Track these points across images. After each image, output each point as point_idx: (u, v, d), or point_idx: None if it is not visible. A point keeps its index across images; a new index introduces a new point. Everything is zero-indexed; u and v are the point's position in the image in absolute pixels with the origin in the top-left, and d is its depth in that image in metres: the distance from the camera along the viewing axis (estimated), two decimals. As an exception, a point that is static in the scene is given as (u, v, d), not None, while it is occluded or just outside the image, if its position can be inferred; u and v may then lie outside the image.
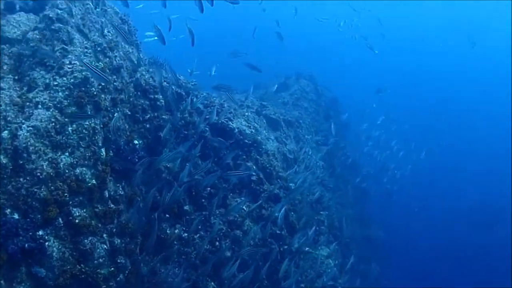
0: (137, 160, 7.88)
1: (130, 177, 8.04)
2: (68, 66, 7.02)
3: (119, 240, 7.63)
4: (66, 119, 6.84)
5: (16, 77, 6.91)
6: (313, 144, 15.66)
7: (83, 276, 6.66)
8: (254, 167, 10.42)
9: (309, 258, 12.49)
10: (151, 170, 8.60)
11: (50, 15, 7.19)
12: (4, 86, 6.64)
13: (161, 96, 9.10)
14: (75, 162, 6.85)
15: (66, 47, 7.16)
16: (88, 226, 6.97)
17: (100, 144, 7.33)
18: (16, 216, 6.33)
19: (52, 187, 6.54)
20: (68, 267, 6.51)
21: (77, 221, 6.78)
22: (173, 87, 9.26)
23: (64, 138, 6.80)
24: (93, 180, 7.07)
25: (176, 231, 9.12)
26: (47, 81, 6.87)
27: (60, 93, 6.85)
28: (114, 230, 7.56)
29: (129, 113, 8.43)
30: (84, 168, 6.96)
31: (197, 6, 8.18)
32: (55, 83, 6.87)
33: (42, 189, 6.44)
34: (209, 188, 9.71)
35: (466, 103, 42.96)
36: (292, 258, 10.36)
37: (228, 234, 9.56)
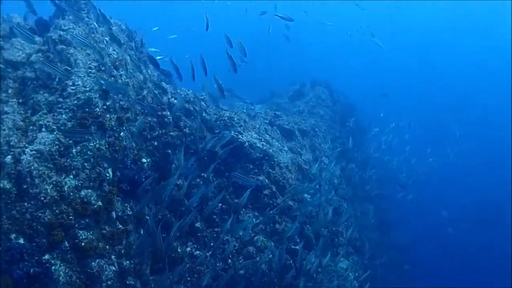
0: (144, 179, 7.75)
1: (139, 197, 7.93)
2: (71, 87, 6.97)
3: (128, 262, 7.52)
4: (70, 141, 6.78)
5: (21, 100, 6.90)
6: (330, 152, 15.29)
7: (90, 299, 6.56)
8: (267, 180, 10.17)
9: (328, 272, 12.13)
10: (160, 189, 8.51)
11: (53, 37, 7.18)
12: (8, 110, 6.64)
13: (168, 113, 8.99)
14: (80, 185, 6.77)
15: (69, 68, 7.12)
16: (95, 248, 6.87)
17: (106, 165, 7.24)
18: (21, 240, 6.28)
19: (57, 211, 6.47)
20: (75, 290, 6.41)
21: (83, 244, 6.68)
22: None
23: (68, 160, 6.74)
24: (99, 202, 6.97)
25: (188, 249, 8.97)
26: (51, 103, 6.83)
27: (63, 115, 6.80)
28: (123, 251, 7.45)
29: (136, 131, 8.33)
30: (89, 190, 6.87)
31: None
32: (58, 105, 6.82)
33: (47, 213, 6.38)
34: (220, 204, 9.53)
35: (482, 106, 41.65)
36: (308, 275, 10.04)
37: (240, 251, 9.33)
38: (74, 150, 6.82)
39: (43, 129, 6.65)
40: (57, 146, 6.64)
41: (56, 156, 6.62)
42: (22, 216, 6.23)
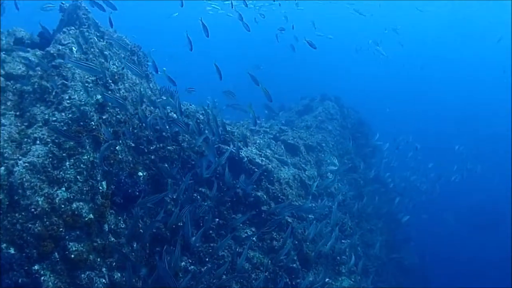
0: (137, 193, 7.81)
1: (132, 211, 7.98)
2: (67, 101, 7.12)
3: (119, 274, 7.54)
4: (64, 154, 6.90)
5: (18, 113, 7.07)
6: (335, 167, 15.10)
7: (79, 310, 6.59)
8: (265, 196, 10.11)
9: (329, 290, 11.91)
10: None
11: (51, 51, 7.37)
12: (5, 122, 6.81)
13: (167, 127, 9.06)
14: (71, 197, 6.85)
15: (66, 82, 7.27)
16: (86, 260, 6.91)
17: (99, 178, 7.32)
18: (11, 250, 6.37)
19: (47, 222, 6.55)
20: (64, 302, 6.45)
21: (73, 256, 6.73)
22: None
23: (61, 173, 6.84)
24: (91, 215, 7.04)
25: (183, 263, 8.94)
26: (46, 116, 6.99)
27: (58, 128, 6.92)
28: (114, 264, 7.48)
29: (133, 145, 8.42)
30: (81, 203, 6.95)
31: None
32: (54, 118, 6.97)
33: (37, 224, 6.46)
34: (217, 219, 9.50)
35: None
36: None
37: (235, 267, 9.24)
38: (67, 163, 6.93)
39: (38, 142, 6.79)
40: (50, 159, 6.76)
41: (49, 169, 6.74)
42: (13, 227, 6.34)
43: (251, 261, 9.50)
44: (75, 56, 7.56)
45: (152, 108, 9.00)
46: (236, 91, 10.59)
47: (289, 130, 14.68)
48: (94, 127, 7.26)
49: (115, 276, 7.43)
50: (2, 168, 6.37)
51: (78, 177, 6.98)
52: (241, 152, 9.97)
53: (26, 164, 6.50)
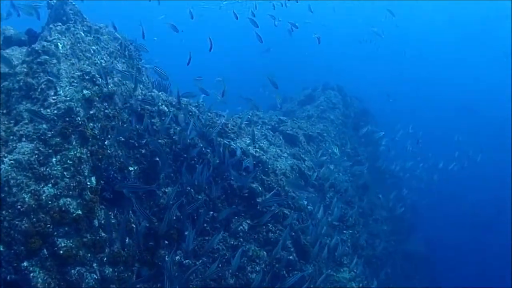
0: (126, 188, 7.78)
1: (123, 205, 7.97)
2: (53, 97, 7.09)
3: (110, 269, 7.54)
4: (50, 150, 6.89)
5: (5, 111, 7.06)
6: (337, 156, 14.95)
7: (70, 306, 6.62)
8: (260, 188, 10.03)
9: (330, 281, 11.84)
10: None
11: (36, 48, 7.33)
12: (-8, 120, 6.81)
13: (158, 120, 9.01)
14: (58, 193, 6.85)
15: (52, 78, 7.23)
16: (75, 256, 6.93)
17: (87, 173, 7.31)
18: (1, 248, 6.42)
19: (34, 219, 6.57)
20: (54, 297, 6.48)
21: (61, 252, 6.75)
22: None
23: (48, 169, 6.84)
24: (79, 210, 7.03)
25: (177, 257, 8.92)
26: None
27: (44, 125, 6.91)
28: (105, 259, 7.49)
29: (122, 139, 8.38)
30: (68, 199, 6.94)
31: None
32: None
33: (24, 221, 6.48)
34: (211, 212, 9.46)
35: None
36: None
37: (231, 260, 9.21)
38: (53, 159, 6.92)
39: (23, 139, 6.78)
40: (36, 155, 6.76)
41: (35, 165, 6.73)
42: (0, 224, 6.37)
43: (247, 253, 9.46)
44: (61, 51, 7.51)
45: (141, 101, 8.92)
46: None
47: (289, 120, 14.53)
48: (80, 122, 7.23)
49: (106, 271, 7.43)
50: (-13, 166, 6.38)
51: (65, 173, 6.97)
52: (234, 143, 9.88)
53: (12, 161, 6.51)
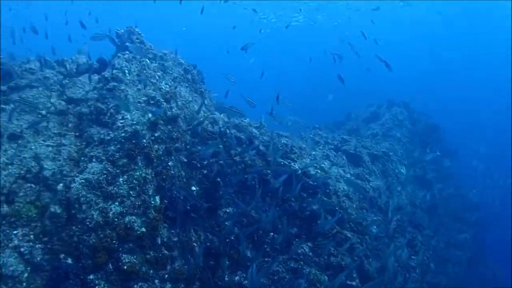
0: (188, 208, 7.99)
1: (185, 224, 8.17)
2: (121, 121, 7.55)
3: (171, 286, 7.73)
4: (117, 171, 7.30)
5: (77, 134, 7.64)
6: (403, 177, 14.25)
7: (132, 320, 6.86)
8: (321, 210, 9.78)
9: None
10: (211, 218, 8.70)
11: (106, 75, 7.89)
12: (66, 142, 7.39)
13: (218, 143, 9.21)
14: (124, 211, 7.21)
15: (119, 103, 7.71)
16: (138, 272, 7.20)
17: (151, 193, 7.62)
18: (69, 260, 6.85)
19: (101, 235, 6.95)
20: (118, 310, 6.76)
21: (125, 267, 7.05)
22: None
23: (115, 188, 7.24)
24: (143, 228, 7.34)
25: (236, 278, 8.93)
26: (102, 136, 7.46)
27: (112, 147, 7.36)
28: (167, 276, 7.70)
29: (185, 160, 8.67)
30: (133, 217, 7.28)
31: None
32: (108, 137, 7.41)
33: (92, 237, 6.89)
34: (272, 233, 9.38)
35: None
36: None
37: (292, 284, 9.03)
38: (120, 179, 7.32)
39: (94, 160, 7.27)
40: (105, 175, 7.20)
41: (104, 184, 7.17)
42: (70, 239, 6.83)
43: (308, 277, 9.22)
44: (128, 78, 8.01)
45: (204, 124, 9.20)
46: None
47: (353, 139, 14.15)
48: (145, 144, 7.60)
49: (168, 288, 7.62)
50: (61, 184, 6.90)
51: (131, 192, 7.33)
52: (295, 164, 9.79)
53: (82, 180, 6.98)
